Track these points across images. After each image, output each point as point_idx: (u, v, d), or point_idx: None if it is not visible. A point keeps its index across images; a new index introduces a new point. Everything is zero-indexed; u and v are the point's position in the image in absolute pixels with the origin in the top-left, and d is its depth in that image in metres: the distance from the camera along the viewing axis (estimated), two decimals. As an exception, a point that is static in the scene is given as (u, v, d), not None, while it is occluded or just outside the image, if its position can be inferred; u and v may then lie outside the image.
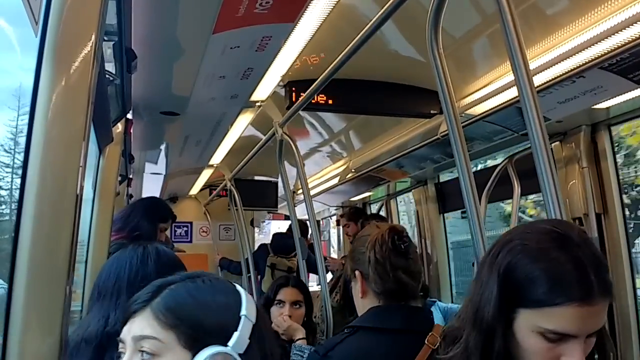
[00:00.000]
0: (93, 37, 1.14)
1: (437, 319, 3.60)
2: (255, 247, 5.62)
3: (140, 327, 0.86)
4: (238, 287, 0.94)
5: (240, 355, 0.85)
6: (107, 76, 2.01)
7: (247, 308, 0.89)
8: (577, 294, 0.91)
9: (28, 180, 1.03)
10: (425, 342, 1.51)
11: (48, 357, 1.06)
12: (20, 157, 1.07)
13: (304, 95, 2.50)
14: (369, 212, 5.56)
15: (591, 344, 0.96)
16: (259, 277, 5.23)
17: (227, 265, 5.73)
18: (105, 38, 1.72)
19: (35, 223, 1.03)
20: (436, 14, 1.51)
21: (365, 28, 1.84)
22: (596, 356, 1.01)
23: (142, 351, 0.85)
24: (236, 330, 0.86)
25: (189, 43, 2.22)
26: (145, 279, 1.02)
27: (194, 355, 0.84)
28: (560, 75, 2.13)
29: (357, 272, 1.64)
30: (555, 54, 2.13)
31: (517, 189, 2.95)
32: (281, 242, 5.10)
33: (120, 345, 0.89)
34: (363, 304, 1.65)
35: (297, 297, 2.48)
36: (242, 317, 0.87)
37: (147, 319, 0.86)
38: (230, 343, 0.85)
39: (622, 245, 2.54)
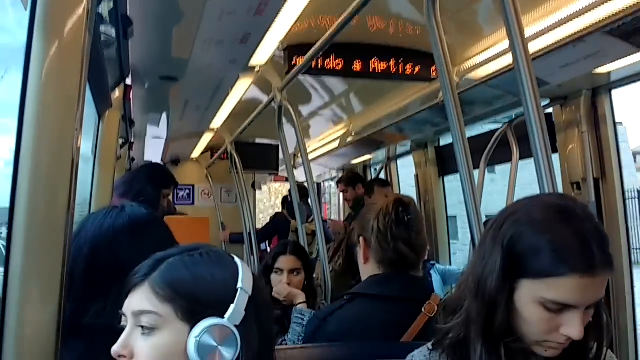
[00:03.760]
0: (85, 1, 1.13)
1: (436, 280, 3.67)
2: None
3: (139, 301, 0.89)
4: (236, 259, 0.95)
5: (236, 326, 0.87)
6: (104, 39, 2.00)
7: (244, 280, 0.91)
8: (580, 265, 0.93)
9: (23, 144, 1.02)
10: (423, 310, 1.54)
11: (48, 321, 1.08)
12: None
13: (303, 59, 2.48)
14: (369, 176, 5.58)
15: (590, 315, 0.98)
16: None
17: (239, 238, 5.73)
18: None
19: (32, 187, 1.03)
20: (434, -21, 1.49)
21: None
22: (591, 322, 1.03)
23: (142, 326, 0.88)
24: (233, 302, 0.88)
25: (186, 8, 2.20)
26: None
27: (191, 328, 0.86)
28: (561, 40, 2.11)
29: (361, 238, 1.68)
30: (556, 18, 2.11)
31: (516, 154, 2.96)
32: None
33: (123, 318, 0.91)
34: (365, 269, 1.69)
35: (295, 264, 2.48)
36: (239, 290, 0.89)
37: (146, 293, 0.89)
38: (227, 315, 0.87)
39: (619, 210, 2.55)
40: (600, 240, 0.96)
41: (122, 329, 0.98)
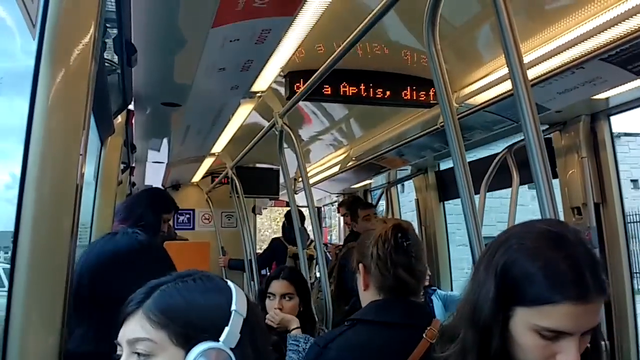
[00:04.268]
0: (92, 30, 1.15)
1: (437, 306, 3.64)
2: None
3: (134, 329, 0.89)
4: (230, 283, 0.96)
5: (232, 349, 0.87)
6: (108, 65, 2.02)
7: (238, 303, 0.91)
8: (573, 292, 0.92)
9: (29, 169, 1.04)
10: (424, 336, 1.53)
11: (50, 348, 1.08)
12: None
13: (304, 85, 2.50)
14: (369, 200, 5.59)
15: (586, 341, 0.98)
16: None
17: (238, 264, 5.72)
18: (108, 25, 1.74)
19: (36, 212, 1.04)
20: (433, 9, 1.51)
21: (367, 19, 1.83)
22: (588, 346, 1.02)
23: (137, 353, 0.87)
24: (227, 325, 0.88)
25: (189, 37, 2.22)
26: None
27: (187, 353, 0.86)
28: (560, 66, 2.13)
29: (360, 265, 1.67)
30: (555, 45, 2.13)
31: (516, 179, 2.96)
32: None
33: (118, 348, 0.91)
34: (365, 296, 1.68)
35: (288, 289, 2.47)
36: (233, 312, 0.89)
37: (140, 321, 0.89)
38: (222, 338, 0.87)
39: (620, 235, 2.54)
40: (593, 266, 0.95)
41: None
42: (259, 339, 0.93)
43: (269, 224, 20.80)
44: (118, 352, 0.91)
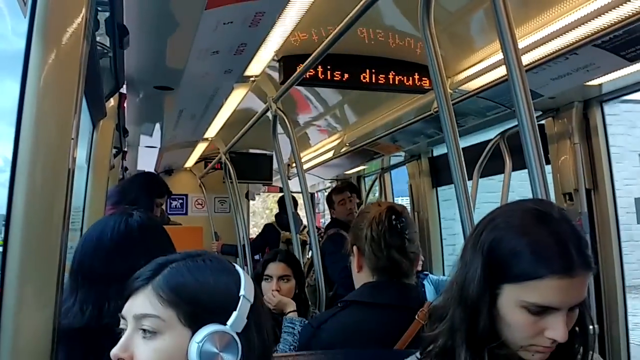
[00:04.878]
0: (83, 11, 1.14)
1: (429, 291, 3.67)
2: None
3: (142, 304, 0.89)
4: (237, 267, 0.96)
5: (237, 334, 0.87)
6: (100, 48, 2.00)
7: (246, 288, 0.91)
8: (559, 267, 0.94)
9: (20, 153, 1.03)
10: (416, 317, 1.55)
11: (43, 328, 1.08)
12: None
13: (298, 70, 2.49)
14: (363, 186, 5.59)
15: (574, 317, 0.99)
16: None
17: (231, 250, 5.72)
18: (99, 8, 1.72)
19: (28, 194, 1.03)
20: (428, -7, 1.50)
21: (361, 3, 1.82)
22: (577, 328, 1.04)
23: (143, 329, 0.87)
24: (235, 309, 0.88)
25: (181, 19, 2.20)
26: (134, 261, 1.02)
27: (193, 333, 0.86)
28: (554, 52, 2.14)
29: (354, 247, 1.69)
30: (548, 31, 2.13)
31: (508, 165, 2.98)
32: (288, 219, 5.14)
33: (122, 321, 0.91)
34: (359, 278, 1.70)
35: (285, 271, 2.49)
36: (241, 297, 0.90)
37: (149, 297, 0.88)
38: (229, 322, 0.87)
39: (611, 220, 2.57)
40: (578, 242, 0.97)
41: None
42: (263, 325, 0.93)
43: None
44: (121, 326, 0.91)
